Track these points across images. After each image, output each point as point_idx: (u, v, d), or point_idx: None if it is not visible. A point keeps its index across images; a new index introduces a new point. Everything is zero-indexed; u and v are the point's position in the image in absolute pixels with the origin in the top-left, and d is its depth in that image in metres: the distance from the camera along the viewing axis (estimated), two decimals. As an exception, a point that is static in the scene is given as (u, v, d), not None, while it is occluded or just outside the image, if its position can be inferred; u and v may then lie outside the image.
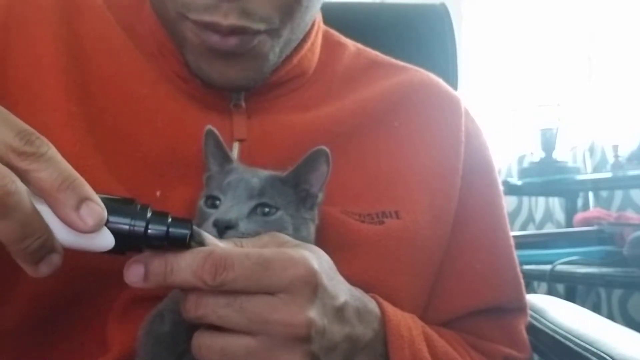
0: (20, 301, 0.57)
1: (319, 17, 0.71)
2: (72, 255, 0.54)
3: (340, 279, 0.52)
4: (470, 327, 0.67)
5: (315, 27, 0.70)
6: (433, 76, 0.74)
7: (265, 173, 0.55)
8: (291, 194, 0.54)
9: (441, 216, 0.66)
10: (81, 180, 0.40)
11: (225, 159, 0.56)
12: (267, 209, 0.52)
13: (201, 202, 0.54)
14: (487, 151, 0.74)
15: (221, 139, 0.57)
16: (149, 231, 0.42)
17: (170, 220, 0.43)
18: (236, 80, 0.61)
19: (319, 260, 0.48)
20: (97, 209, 0.39)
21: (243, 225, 0.50)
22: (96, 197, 0.40)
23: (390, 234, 0.62)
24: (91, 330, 0.57)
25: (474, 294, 0.67)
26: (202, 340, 0.46)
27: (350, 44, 0.75)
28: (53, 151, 0.39)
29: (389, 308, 0.56)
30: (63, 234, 0.40)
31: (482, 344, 0.67)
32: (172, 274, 0.43)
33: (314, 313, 0.46)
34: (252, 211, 0.52)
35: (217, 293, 0.44)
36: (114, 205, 0.42)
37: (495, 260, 0.69)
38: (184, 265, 0.43)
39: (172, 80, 0.63)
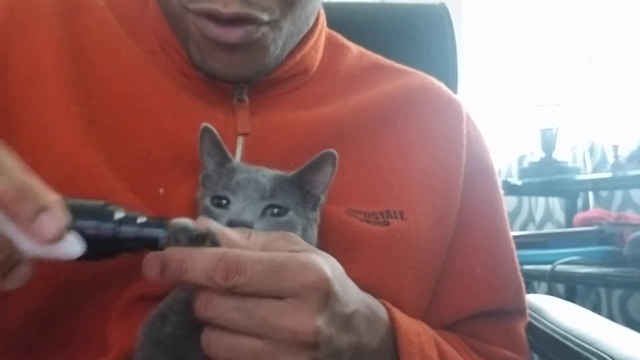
0: (20, 302, 0.57)
1: (323, 17, 0.72)
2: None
3: (351, 285, 0.52)
4: (471, 329, 0.68)
5: (319, 26, 0.70)
6: (435, 80, 0.75)
7: (271, 173, 0.54)
8: (297, 194, 0.54)
9: (443, 219, 0.66)
10: (38, 189, 0.39)
11: (224, 157, 0.56)
12: (277, 210, 0.52)
13: (207, 202, 0.53)
14: (488, 155, 0.74)
15: (219, 136, 0.56)
16: (119, 233, 0.41)
17: (142, 220, 0.42)
18: (240, 71, 0.62)
19: (331, 267, 0.48)
20: (55, 217, 0.39)
21: (258, 227, 0.50)
22: (56, 205, 0.39)
23: (394, 235, 0.62)
24: (92, 331, 0.57)
25: (476, 296, 0.67)
26: (212, 337, 0.46)
27: (353, 47, 0.76)
28: (7, 161, 0.39)
29: (398, 314, 0.56)
30: (29, 246, 0.39)
31: (483, 346, 0.67)
32: (187, 273, 0.44)
33: (321, 321, 0.46)
34: (264, 212, 0.52)
35: (227, 295, 0.44)
36: (82, 209, 0.41)
37: (496, 263, 0.69)
38: (198, 266, 0.44)
39: (174, 77, 0.64)
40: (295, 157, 0.62)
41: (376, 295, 0.56)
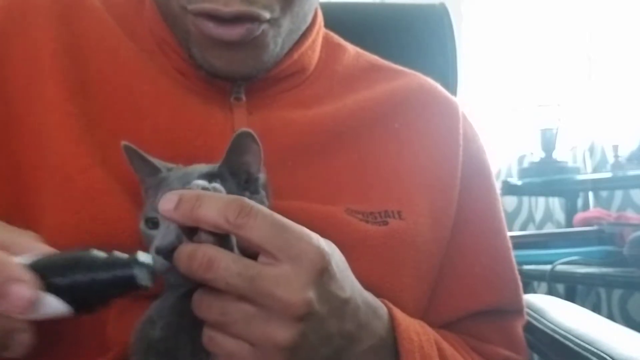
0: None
1: (320, 17, 0.72)
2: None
3: (352, 277, 0.52)
4: (469, 329, 0.68)
5: (317, 26, 0.70)
6: (431, 81, 0.75)
7: (195, 174, 0.52)
8: (229, 184, 0.52)
9: (441, 218, 0.66)
10: (2, 261, 0.39)
11: (153, 169, 0.53)
12: None
13: (142, 226, 0.51)
14: (485, 155, 0.74)
15: (140, 151, 0.54)
16: (96, 282, 0.41)
17: (117, 260, 0.42)
18: (241, 69, 0.62)
19: (331, 250, 0.49)
20: (25, 286, 0.39)
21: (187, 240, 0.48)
22: (23, 274, 0.39)
23: (393, 235, 0.62)
24: (91, 330, 0.57)
25: (474, 296, 0.67)
26: (205, 298, 0.46)
27: (350, 47, 0.76)
28: None
29: (398, 313, 0.56)
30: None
31: (482, 346, 0.68)
32: (200, 207, 0.44)
33: (313, 294, 0.46)
34: None
35: (230, 262, 0.44)
36: (58, 264, 0.41)
37: (494, 262, 0.70)
38: (213, 203, 0.44)
39: (172, 76, 0.64)
40: (292, 157, 0.62)
41: (376, 294, 0.56)
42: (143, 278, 0.43)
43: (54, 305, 0.41)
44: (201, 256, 0.44)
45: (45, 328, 0.58)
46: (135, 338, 0.50)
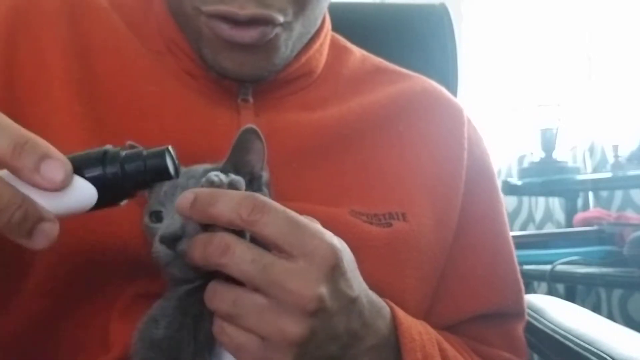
0: (21, 302, 0.58)
1: (328, 20, 0.72)
2: (74, 252, 0.54)
3: (359, 277, 0.52)
4: (471, 331, 0.68)
5: (325, 29, 0.71)
6: (436, 84, 0.75)
7: (200, 170, 0.53)
8: None
9: (444, 221, 0.67)
10: (35, 140, 0.39)
11: None
12: None
13: (146, 220, 0.52)
14: (488, 158, 0.75)
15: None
16: (126, 169, 0.42)
17: (146, 152, 0.43)
18: (251, 71, 0.62)
19: (343, 248, 0.49)
20: (57, 162, 0.39)
21: (191, 229, 0.48)
22: (55, 152, 0.39)
23: (397, 236, 0.62)
24: (93, 330, 0.57)
25: (477, 298, 0.68)
26: (218, 288, 0.47)
27: (356, 50, 0.76)
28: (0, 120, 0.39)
29: (401, 313, 0.57)
30: (45, 201, 0.39)
31: (483, 348, 0.68)
32: (214, 204, 0.45)
33: (324, 290, 0.46)
34: None
35: (246, 249, 0.45)
36: (84, 157, 0.41)
37: (497, 265, 0.70)
38: (227, 200, 0.45)
39: (179, 77, 0.64)
40: (298, 158, 0.63)
41: (379, 295, 0.57)
42: (172, 168, 0.43)
43: (83, 190, 0.41)
44: (218, 241, 0.45)
45: (46, 326, 0.58)
46: (138, 338, 0.50)
